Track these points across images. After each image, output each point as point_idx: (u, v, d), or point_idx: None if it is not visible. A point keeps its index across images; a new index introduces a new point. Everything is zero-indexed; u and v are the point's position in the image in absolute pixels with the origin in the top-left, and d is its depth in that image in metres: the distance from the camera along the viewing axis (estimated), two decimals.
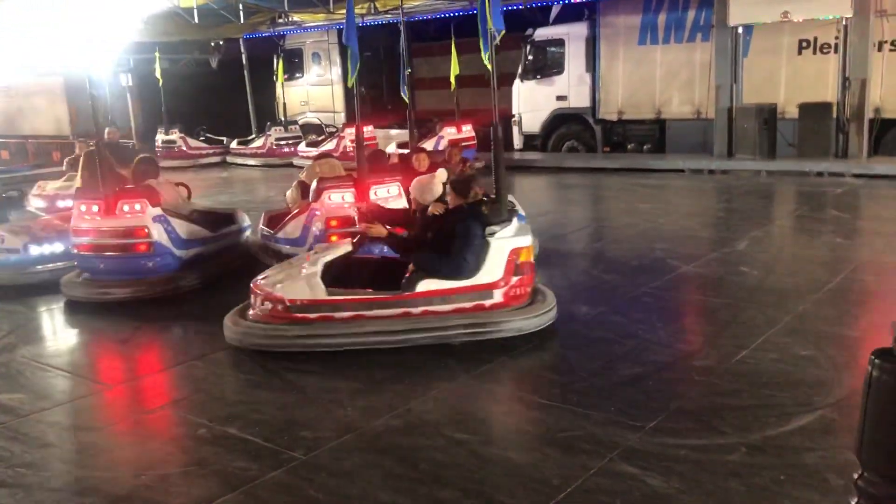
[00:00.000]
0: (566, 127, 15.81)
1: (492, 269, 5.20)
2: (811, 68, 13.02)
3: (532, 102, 15.89)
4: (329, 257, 5.42)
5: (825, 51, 12.88)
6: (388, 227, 5.62)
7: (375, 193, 6.90)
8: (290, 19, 17.45)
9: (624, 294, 6.19)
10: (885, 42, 12.25)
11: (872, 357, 2.19)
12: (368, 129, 16.46)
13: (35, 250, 7.30)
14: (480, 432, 3.99)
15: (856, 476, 2.28)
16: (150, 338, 5.92)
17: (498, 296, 5.23)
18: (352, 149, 15.88)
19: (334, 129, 17.16)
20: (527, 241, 5.38)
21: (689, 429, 3.84)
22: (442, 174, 5.73)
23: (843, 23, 12.15)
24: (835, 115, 12.44)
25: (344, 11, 16.25)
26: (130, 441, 4.12)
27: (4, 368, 5.21)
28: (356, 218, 6.36)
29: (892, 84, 12.25)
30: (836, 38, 12.50)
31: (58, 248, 7.28)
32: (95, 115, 6.90)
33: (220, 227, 7.48)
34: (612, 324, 5.48)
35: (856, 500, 2.31)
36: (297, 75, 20.37)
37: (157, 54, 17.29)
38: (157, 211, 6.68)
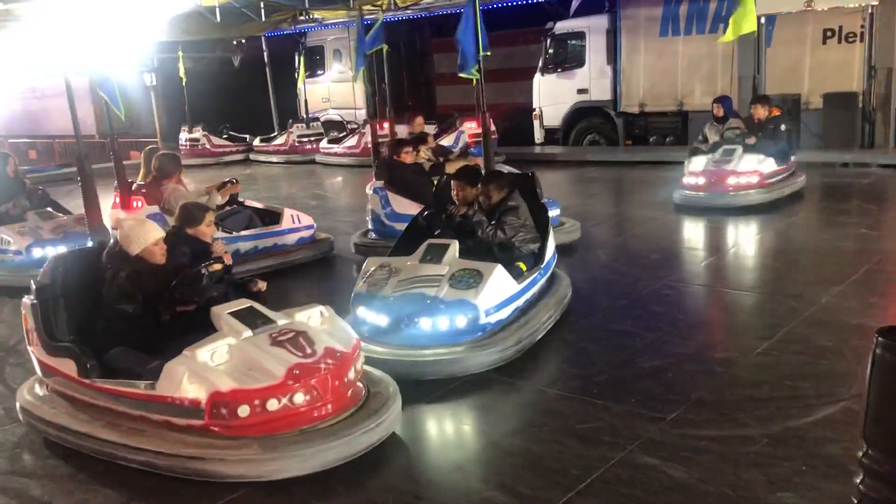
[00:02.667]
0: (587, 120, 15.72)
1: None
2: (836, 58, 12.84)
3: (553, 96, 15.82)
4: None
5: (850, 40, 12.67)
6: None
7: None
8: (312, 16, 17.49)
9: (645, 287, 6.17)
10: None
11: (877, 335, 2.19)
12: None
13: (38, 252, 7.23)
14: (501, 423, 4.01)
15: (860, 454, 2.29)
16: None
17: None
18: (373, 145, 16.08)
19: (356, 126, 17.21)
20: None
21: (710, 420, 3.84)
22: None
23: (869, 11, 11.97)
24: (860, 105, 12.29)
25: (366, 8, 16.36)
26: None
27: None
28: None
29: None
30: (862, 26, 12.31)
31: (62, 250, 7.21)
32: (108, 115, 7.12)
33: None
34: (633, 317, 5.46)
35: (860, 477, 2.31)
36: (319, 72, 20.47)
37: (180, 53, 17.48)
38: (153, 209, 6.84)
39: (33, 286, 4.13)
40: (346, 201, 12.70)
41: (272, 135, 18.78)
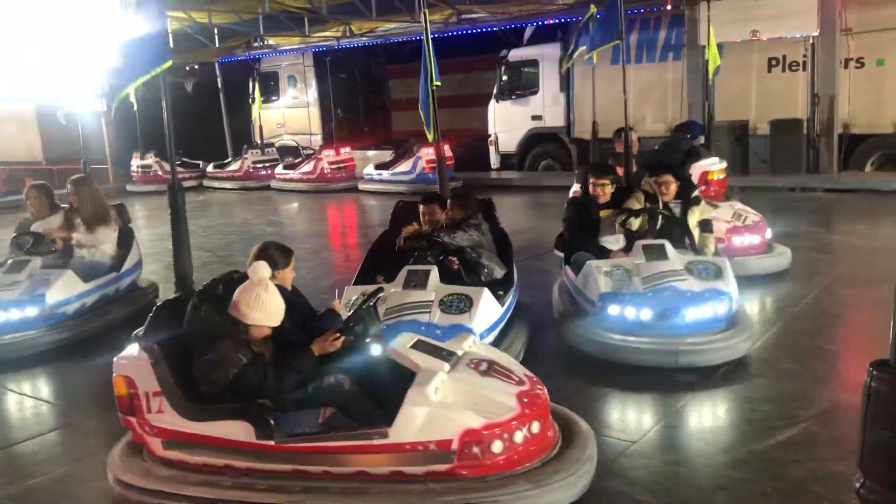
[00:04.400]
0: (542, 146, 15.97)
1: None
2: (781, 85, 13.28)
3: (508, 122, 16.05)
4: None
5: (794, 68, 13.14)
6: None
7: None
8: (266, 42, 17.49)
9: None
10: (852, 59, 12.53)
11: (871, 368, 2.23)
12: (346, 151, 16.56)
13: None
14: None
15: (857, 485, 2.31)
16: None
17: None
18: (329, 170, 16.05)
19: (311, 152, 17.16)
20: None
21: (675, 445, 3.88)
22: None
23: (811, 41, 12.44)
24: (805, 132, 12.71)
25: (320, 35, 16.39)
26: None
27: None
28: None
29: (859, 100, 12.51)
30: (804, 55, 12.78)
31: None
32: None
33: None
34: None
35: None
36: (273, 98, 20.40)
37: None
38: None
39: (144, 342, 3.46)
40: (303, 227, 12.62)
41: (226, 161, 18.60)
